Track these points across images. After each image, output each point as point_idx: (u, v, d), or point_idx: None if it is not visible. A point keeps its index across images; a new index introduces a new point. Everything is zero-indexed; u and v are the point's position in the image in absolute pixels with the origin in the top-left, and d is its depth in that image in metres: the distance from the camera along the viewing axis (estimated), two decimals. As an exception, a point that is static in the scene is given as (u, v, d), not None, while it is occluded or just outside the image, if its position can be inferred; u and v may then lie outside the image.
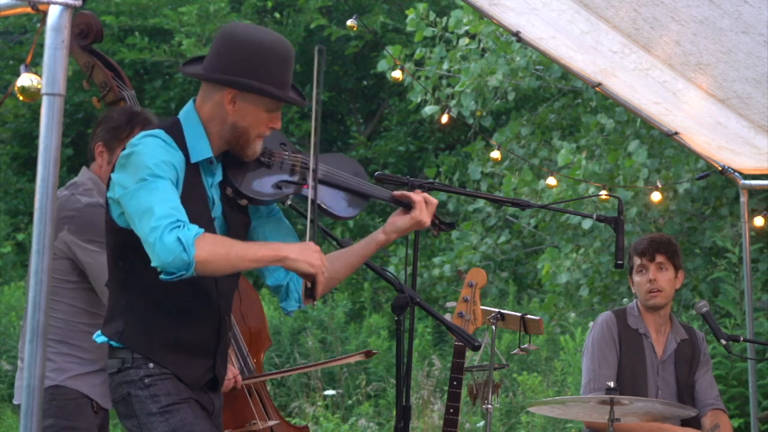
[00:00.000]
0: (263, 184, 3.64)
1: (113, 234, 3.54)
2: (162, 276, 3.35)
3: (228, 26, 3.63)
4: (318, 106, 3.56)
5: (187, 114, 3.60)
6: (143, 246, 3.37)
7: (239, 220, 3.68)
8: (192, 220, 3.46)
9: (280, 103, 3.58)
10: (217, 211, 3.62)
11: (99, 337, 3.63)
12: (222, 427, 3.80)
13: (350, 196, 3.76)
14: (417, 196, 3.76)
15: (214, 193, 3.61)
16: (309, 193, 3.58)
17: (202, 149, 3.55)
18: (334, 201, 3.73)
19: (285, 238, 3.75)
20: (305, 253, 3.44)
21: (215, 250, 3.35)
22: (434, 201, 3.80)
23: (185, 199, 3.47)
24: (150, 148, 3.45)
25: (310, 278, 3.49)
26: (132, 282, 3.53)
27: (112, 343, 3.58)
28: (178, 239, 3.29)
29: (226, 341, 3.71)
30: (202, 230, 3.35)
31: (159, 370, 3.54)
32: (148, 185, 3.38)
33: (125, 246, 3.50)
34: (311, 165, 3.57)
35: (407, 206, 3.77)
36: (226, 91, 3.53)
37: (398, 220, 3.77)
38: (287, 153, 3.70)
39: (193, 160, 3.53)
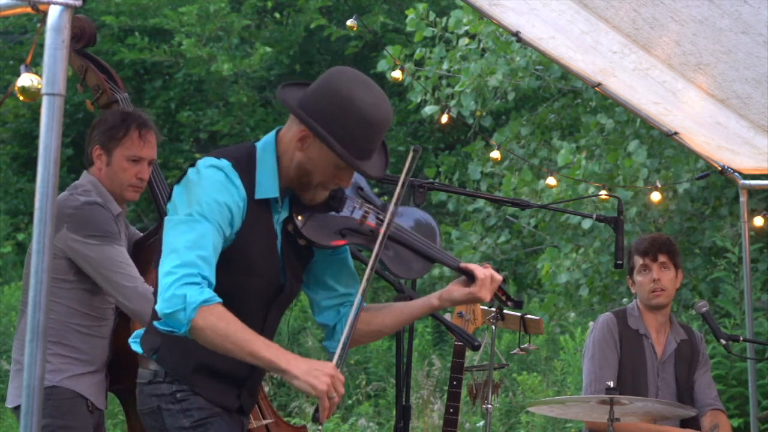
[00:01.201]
0: (326, 229, 3.50)
1: None
2: (155, 323, 3.31)
3: (338, 72, 3.44)
4: (396, 204, 3.44)
5: (265, 145, 3.48)
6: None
7: (298, 258, 3.57)
8: (254, 255, 3.42)
9: None
10: (277, 246, 3.53)
11: (135, 346, 3.57)
12: None
13: (415, 257, 3.59)
14: (482, 273, 3.54)
15: (278, 228, 3.51)
16: (375, 250, 3.40)
17: (269, 188, 3.44)
18: (396, 261, 3.56)
19: (343, 278, 3.65)
20: (311, 375, 3.21)
21: (216, 325, 3.21)
22: (499, 278, 3.58)
23: (248, 234, 3.41)
24: (209, 183, 3.35)
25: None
26: None
27: (148, 356, 3.54)
28: (185, 297, 3.20)
29: (260, 374, 3.64)
30: (218, 300, 3.23)
31: (190, 386, 3.51)
32: (191, 223, 3.29)
33: None
34: (374, 256, 3.41)
35: (471, 278, 3.55)
36: (302, 128, 3.39)
37: (455, 291, 3.57)
38: (359, 200, 3.57)
39: (257, 197, 3.43)
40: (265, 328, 3.54)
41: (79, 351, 4.46)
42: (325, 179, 3.43)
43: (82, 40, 4.79)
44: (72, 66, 4.82)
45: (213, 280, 3.28)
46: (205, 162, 3.41)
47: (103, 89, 4.81)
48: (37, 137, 4.84)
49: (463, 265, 3.57)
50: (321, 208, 3.50)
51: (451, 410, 4.95)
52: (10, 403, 4.54)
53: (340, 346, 3.33)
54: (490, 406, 5.25)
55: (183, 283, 3.21)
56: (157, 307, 3.25)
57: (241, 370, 3.51)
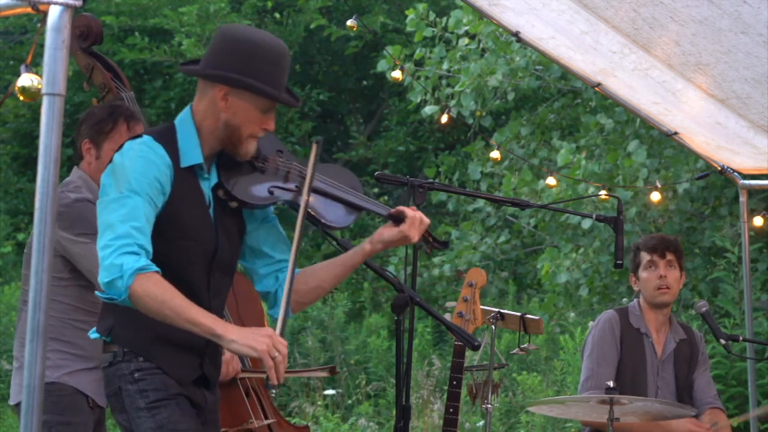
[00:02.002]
0: (255, 189, 3.67)
1: None
2: (96, 292, 3.44)
3: (225, 26, 3.67)
4: (307, 195, 3.58)
5: (182, 119, 3.64)
6: None
7: (232, 225, 3.71)
8: (187, 220, 3.55)
9: (273, 104, 3.60)
10: (209, 212, 3.66)
11: (93, 334, 3.67)
12: (219, 422, 3.80)
13: (343, 207, 3.78)
14: (411, 212, 3.74)
15: (208, 194, 3.64)
16: (301, 203, 3.58)
17: (193, 155, 3.58)
18: (326, 210, 3.75)
19: (275, 244, 3.80)
20: (249, 338, 3.33)
21: (153, 292, 3.34)
22: (427, 221, 3.76)
23: (178, 200, 3.53)
24: (133, 160, 3.48)
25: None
26: None
27: (104, 338, 3.63)
28: (122, 266, 3.32)
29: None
30: (155, 268, 3.36)
31: (149, 364, 3.58)
32: (121, 200, 3.42)
33: None
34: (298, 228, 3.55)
35: (400, 220, 3.74)
36: (219, 88, 3.56)
37: (385, 232, 3.74)
38: (282, 160, 3.74)
39: (182, 165, 3.56)
40: (212, 291, 3.65)
41: (77, 347, 4.47)
42: (253, 128, 3.59)
43: (89, 38, 4.82)
44: (79, 64, 4.87)
45: (150, 249, 3.41)
46: (128, 144, 3.55)
47: (109, 88, 4.85)
48: (37, 137, 4.86)
49: (393, 210, 3.76)
50: (247, 170, 3.67)
51: (451, 410, 4.96)
52: (12, 400, 4.56)
53: (281, 314, 3.45)
54: (490, 406, 5.26)
55: (120, 252, 3.34)
56: (99, 278, 3.37)
57: (198, 338, 3.53)
